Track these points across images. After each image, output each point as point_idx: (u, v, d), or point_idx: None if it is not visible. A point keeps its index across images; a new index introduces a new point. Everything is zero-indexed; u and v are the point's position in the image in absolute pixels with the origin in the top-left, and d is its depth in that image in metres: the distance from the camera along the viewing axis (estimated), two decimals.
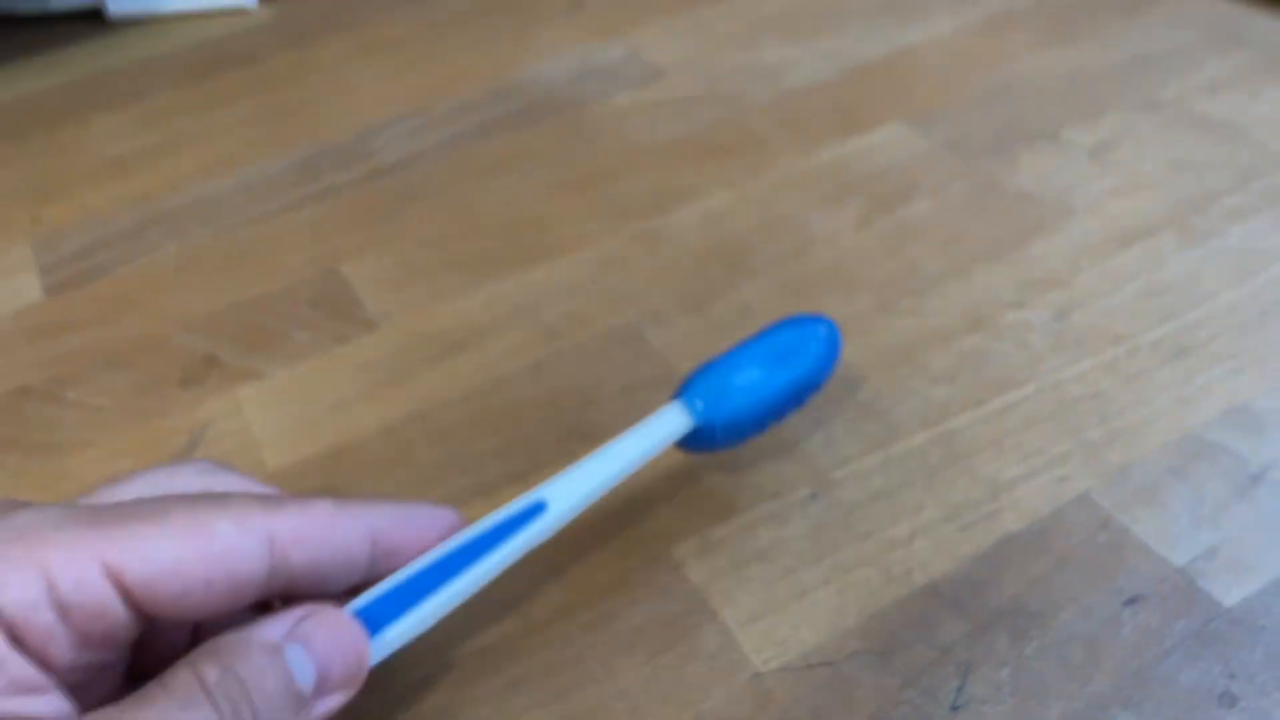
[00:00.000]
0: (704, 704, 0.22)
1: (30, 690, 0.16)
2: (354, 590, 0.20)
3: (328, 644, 0.18)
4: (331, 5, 0.49)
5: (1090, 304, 0.30)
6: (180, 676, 0.17)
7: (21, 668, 0.16)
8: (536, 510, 0.21)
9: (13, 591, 0.16)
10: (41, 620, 0.16)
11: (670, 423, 0.23)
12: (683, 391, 0.24)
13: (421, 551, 0.21)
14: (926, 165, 0.35)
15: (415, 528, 0.21)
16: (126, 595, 0.17)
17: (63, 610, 0.16)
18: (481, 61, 0.44)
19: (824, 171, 0.36)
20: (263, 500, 0.19)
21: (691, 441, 0.24)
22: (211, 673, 0.17)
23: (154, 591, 0.17)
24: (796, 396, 0.24)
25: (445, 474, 0.27)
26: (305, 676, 0.18)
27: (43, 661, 0.16)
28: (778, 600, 0.23)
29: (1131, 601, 0.23)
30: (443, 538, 0.21)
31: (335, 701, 0.18)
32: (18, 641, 0.16)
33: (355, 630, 0.19)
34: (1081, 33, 0.42)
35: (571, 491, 0.22)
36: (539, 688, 0.22)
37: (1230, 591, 0.23)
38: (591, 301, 0.32)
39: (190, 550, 0.17)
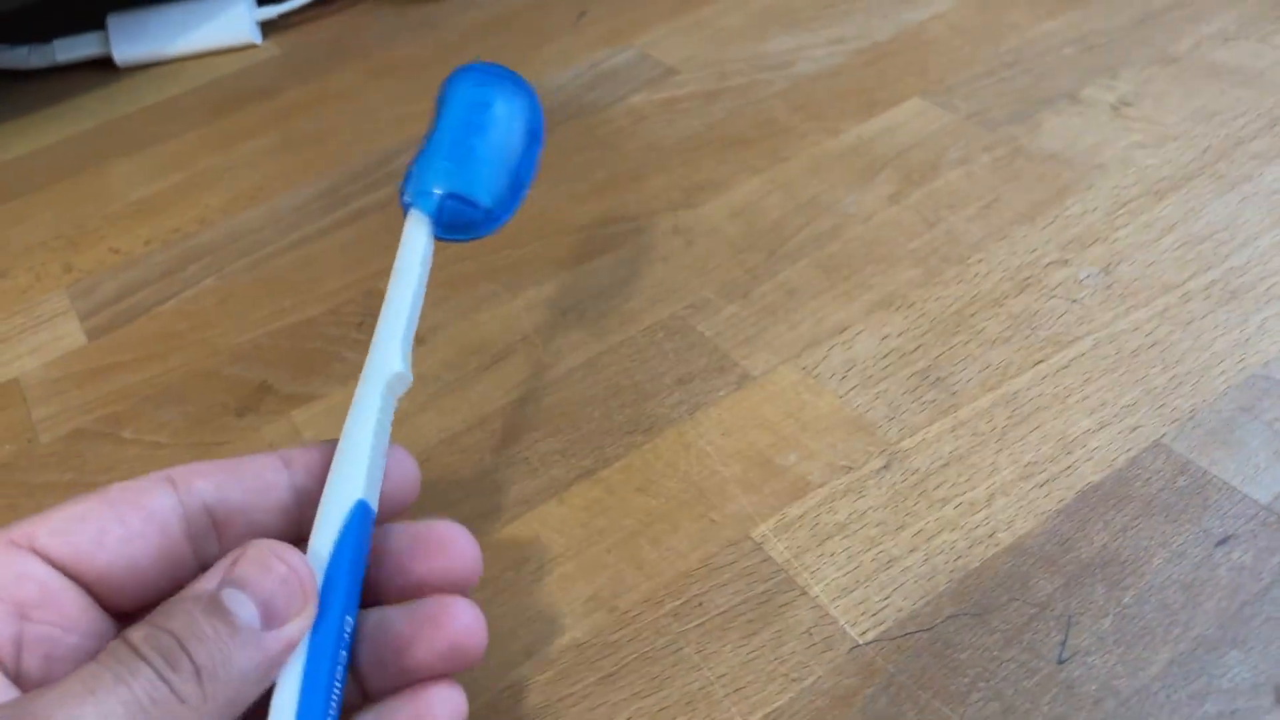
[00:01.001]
0: (806, 680, 0.22)
1: None
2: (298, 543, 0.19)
3: (261, 577, 0.17)
4: (337, 34, 0.49)
5: (1134, 256, 0.30)
6: (110, 645, 0.16)
7: None
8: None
9: None
10: None
11: (415, 235, 0.23)
12: (409, 192, 0.23)
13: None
14: (951, 137, 0.36)
15: (329, 453, 0.20)
16: (51, 563, 0.18)
17: None
18: None
19: (849, 152, 0.36)
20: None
21: (454, 225, 0.23)
22: (136, 633, 0.16)
23: (73, 549, 0.18)
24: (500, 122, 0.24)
25: (511, 479, 0.27)
26: (246, 614, 0.17)
27: None
28: (865, 571, 0.23)
29: (1223, 542, 0.23)
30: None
31: (294, 628, 0.17)
32: None
33: (289, 555, 0.18)
34: None
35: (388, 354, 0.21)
36: (636, 679, 0.22)
37: None
38: (635, 298, 0.32)
39: (93, 509, 0.18)
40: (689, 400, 0.28)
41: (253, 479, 0.19)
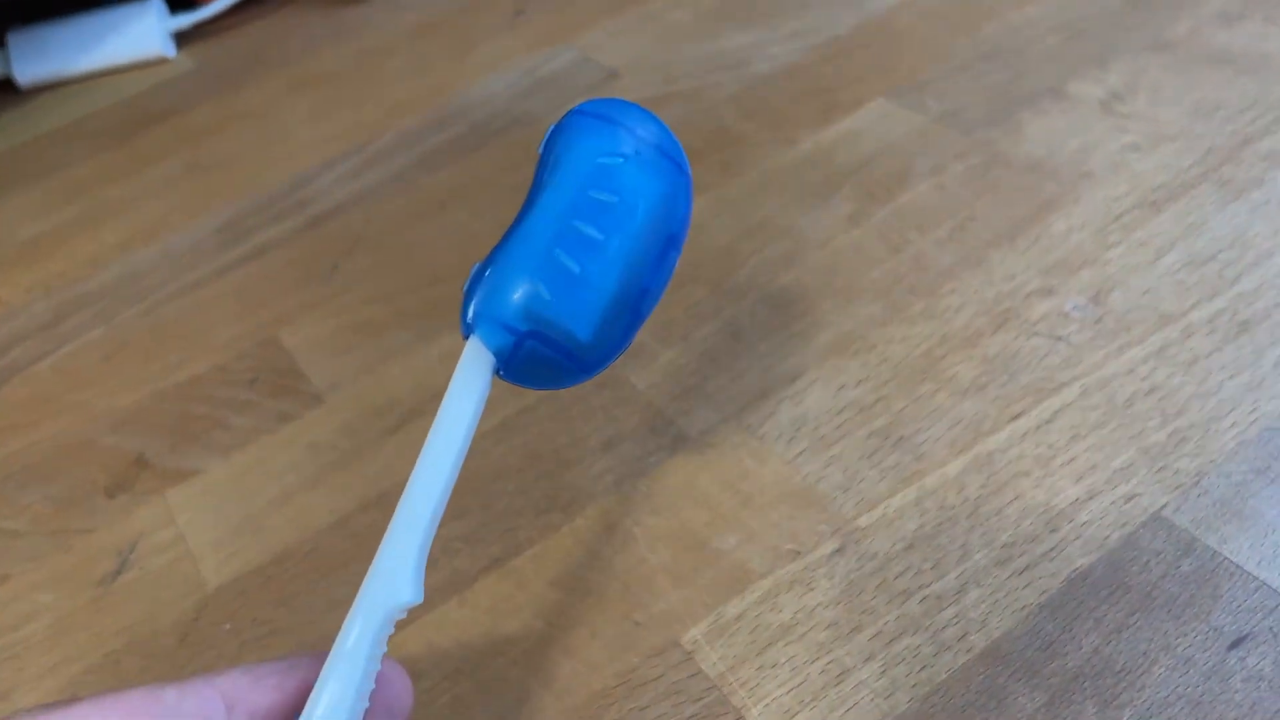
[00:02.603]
0: None
1: None
2: None
3: None
4: (256, 45, 0.45)
5: (1128, 282, 0.26)
6: None
7: None
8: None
9: None
10: None
11: (470, 375, 0.17)
12: (471, 314, 0.17)
13: (285, 709, 0.17)
14: (920, 143, 0.32)
15: (266, 681, 0.17)
16: None
17: None
18: (420, 88, 0.40)
19: (807, 164, 0.32)
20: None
21: (534, 369, 0.17)
22: None
23: None
24: (648, 285, 0.17)
25: None
26: None
27: None
28: (813, 687, 0.20)
29: (1237, 644, 0.19)
30: (304, 686, 0.17)
31: None
32: None
33: None
34: None
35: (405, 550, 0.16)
36: None
37: None
38: None
39: (141, 707, 0.16)
40: (616, 469, 0.24)
41: None
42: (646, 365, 0.27)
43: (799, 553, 0.22)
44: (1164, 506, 0.21)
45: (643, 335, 0.27)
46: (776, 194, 0.31)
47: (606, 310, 0.17)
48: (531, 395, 0.26)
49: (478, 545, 0.23)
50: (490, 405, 0.26)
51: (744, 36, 0.38)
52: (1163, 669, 0.19)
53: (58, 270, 0.35)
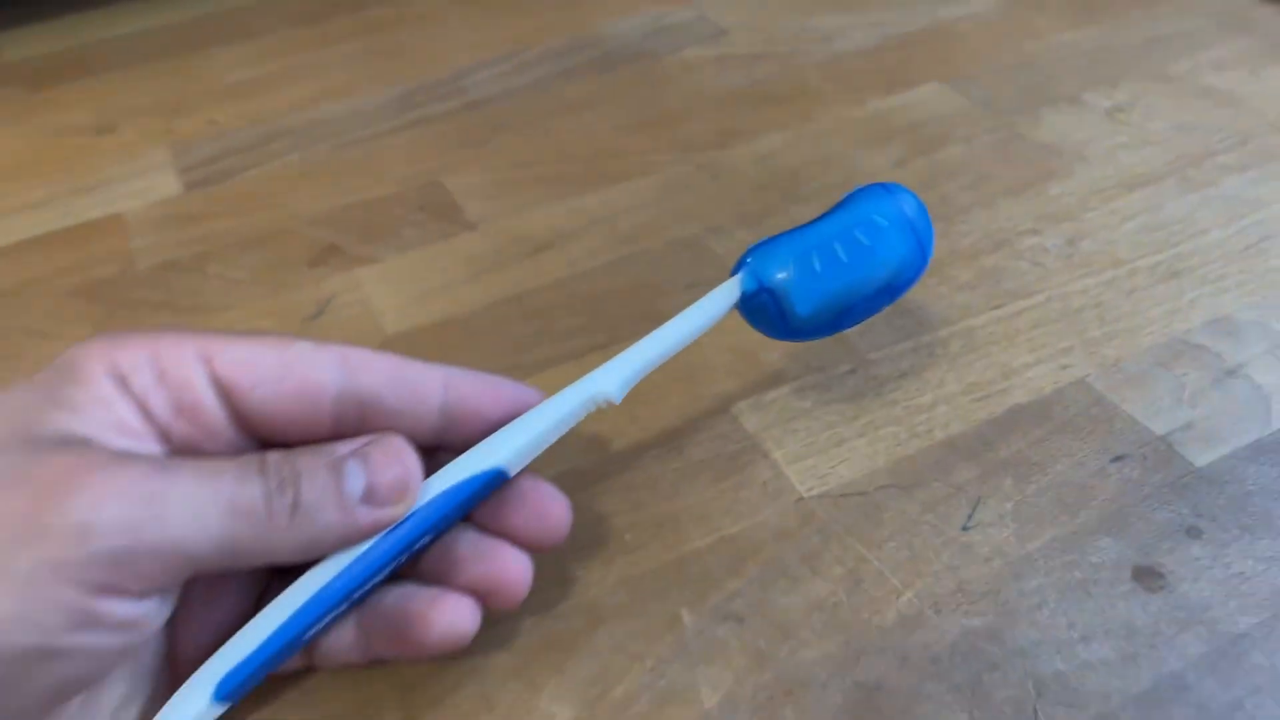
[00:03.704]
0: (758, 517, 0.26)
1: (130, 432, 0.20)
2: (427, 452, 0.22)
3: (381, 464, 0.20)
4: None
5: (1097, 235, 0.34)
6: (248, 455, 0.20)
7: (126, 411, 0.20)
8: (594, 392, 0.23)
9: (123, 357, 0.20)
10: (142, 379, 0.20)
11: (718, 294, 0.24)
12: (742, 261, 0.24)
13: (493, 421, 0.22)
14: (960, 119, 0.40)
15: (490, 393, 0.22)
16: (214, 380, 0.20)
17: (160, 375, 0.20)
18: (563, 17, 0.49)
19: (869, 120, 0.40)
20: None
21: (761, 315, 0.24)
22: (273, 456, 0.20)
23: (235, 378, 0.20)
24: (877, 286, 0.24)
25: (537, 343, 0.32)
26: (355, 484, 0.20)
27: (144, 412, 0.20)
28: (819, 446, 0.28)
29: (1118, 459, 0.27)
30: (517, 410, 0.22)
31: (385, 514, 0.20)
32: (127, 392, 0.20)
33: (410, 458, 0.21)
34: (1103, 16, 0.46)
35: (619, 374, 0.23)
36: (620, 499, 0.27)
37: (1201, 456, 0.27)
38: (661, 216, 0.36)
39: (270, 353, 0.20)
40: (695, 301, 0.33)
41: (410, 391, 0.21)
42: (725, 239, 0.35)
43: (823, 369, 0.30)
44: (1088, 375, 0.29)
45: (723, 219, 0.36)
46: (841, 139, 0.40)
47: (821, 306, 0.24)
48: (638, 245, 0.35)
49: (589, 335, 0.32)
50: (605, 248, 0.35)
51: (835, 19, 0.47)
52: (1063, 466, 0.27)
53: (260, 108, 0.44)
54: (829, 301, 0.24)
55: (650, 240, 0.35)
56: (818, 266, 0.24)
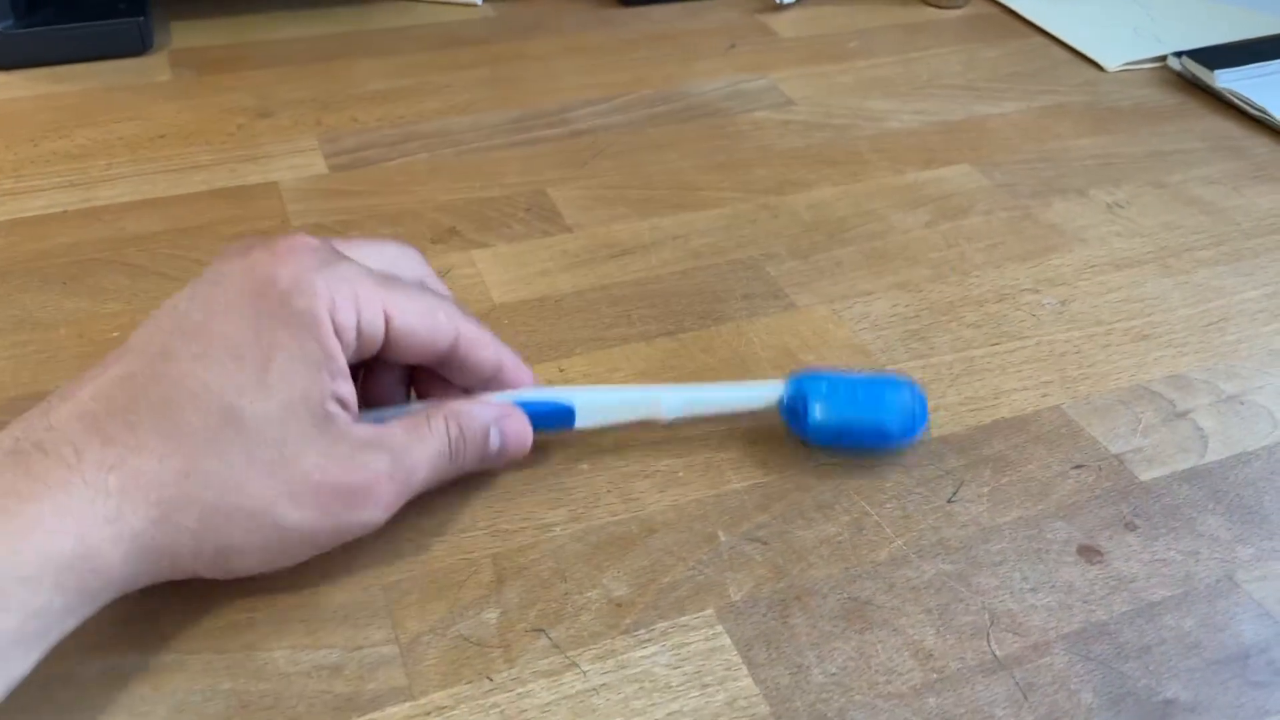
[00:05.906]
0: (786, 472, 0.33)
1: (346, 379, 0.27)
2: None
3: (512, 432, 0.31)
4: (540, 15, 0.63)
5: (1085, 299, 0.41)
6: (436, 419, 0.29)
7: (343, 359, 0.27)
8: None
9: (339, 311, 0.27)
10: (350, 336, 0.27)
11: (768, 387, 0.33)
12: (795, 378, 0.33)
13: (478, 379, 0.31)
14: (983, 195, 0.47)
15: (488, 355, 0.30)
16: (390, 335, 0.28)
17: (360, 329, 0.27)
18: (656, 73, 0.57)
19: (907, 187, 0.48)
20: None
21: (791, 412, 0.33)
22: (454, 425, 0.29)
23: (398, 332, 0.28)
24: (873, 428, 0.33)
25: (616, 324, 0.39)
26: (495, 442, 0.30)
27: (346, 353, 0.27)
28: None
29: (1078, 467, 0.34)
30: (501, 363, 0.31)
31: (504, 460, 0.31)
32: (344, 343, 0.27)
33: (526, 426, 0.31)
34: (1115, 129, 0.54)
35: (678, 399, 0.32)
36: (680, 447, 0.33)
37: (1146, 473, 0.34)
38: (726, 240, 0.44)
39: (426, 317, 0.29)
40: (749, 309, 0.40)
41: (470, 349, 0.30)
42: (778, 264, 0.42)
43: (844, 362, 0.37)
44: (1063, 403, 0.36)
45: (778, 248, 0.43)
46: (882, 199, 0.47)
47: (826, 423, 0.32)
48: (705, 260, 0.42)
49: (660, 322, 0.39)
50: (678, 259, 0.42)
51: (887, 104, 0.55)
52: (1033, 466, 0.33)
53: (397, 113, 0.52)
54: (835, 421, 0.32)
55: (715, 258, 0.43)
56: (839, 397, 0.33)
